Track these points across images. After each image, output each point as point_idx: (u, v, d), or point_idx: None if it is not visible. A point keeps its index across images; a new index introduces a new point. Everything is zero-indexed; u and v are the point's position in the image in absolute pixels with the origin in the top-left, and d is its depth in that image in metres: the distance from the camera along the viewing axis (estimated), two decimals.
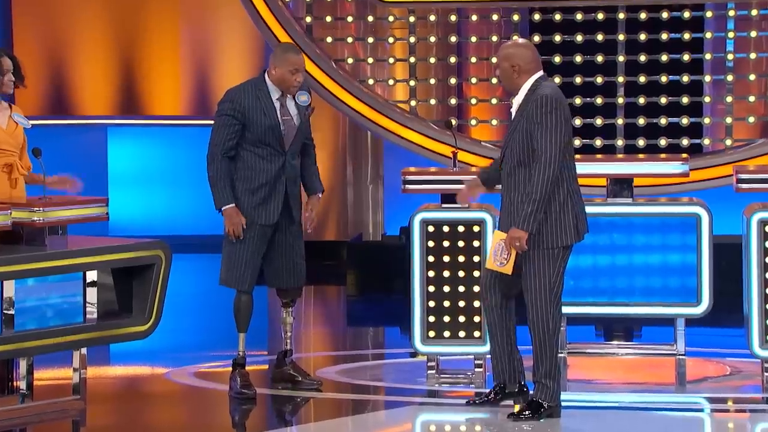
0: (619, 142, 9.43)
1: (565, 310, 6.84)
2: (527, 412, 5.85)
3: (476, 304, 6.68)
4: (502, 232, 5.81)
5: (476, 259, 6.67)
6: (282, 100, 6.38)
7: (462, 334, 6.69)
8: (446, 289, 6.70)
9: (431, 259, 6.70)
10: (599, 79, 9.39)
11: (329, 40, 9.64)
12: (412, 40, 9.60)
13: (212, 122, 6.49)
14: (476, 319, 6.68)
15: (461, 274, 6.68)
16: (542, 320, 5.80)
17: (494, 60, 5.95)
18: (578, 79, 9.39)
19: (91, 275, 6.05)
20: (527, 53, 5.86)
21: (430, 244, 6.70)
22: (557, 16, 9.41)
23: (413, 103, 9.60)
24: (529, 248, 5.79)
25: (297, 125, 6.38)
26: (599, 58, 9.39)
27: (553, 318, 5.80)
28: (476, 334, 6.67)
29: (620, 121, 9.43)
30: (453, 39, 9.59)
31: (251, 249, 6.33)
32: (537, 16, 9.46)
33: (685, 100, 9.34)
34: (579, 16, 9.40)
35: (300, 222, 6.46)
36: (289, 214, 6.39)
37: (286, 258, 6.41)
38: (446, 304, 6.69)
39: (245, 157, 6.33)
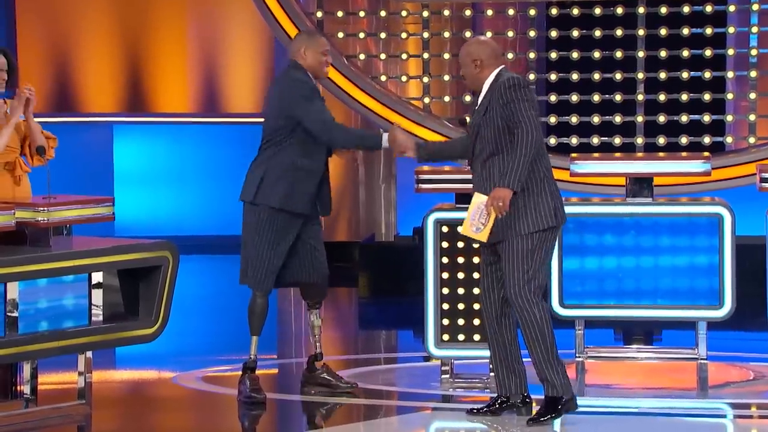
0: (639, 140, 9.32)
1: (583, 313, 6.74)
2: (545, 415, 5.73)
3: None
4: (480, 194, 5.71)
5: None
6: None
7: (477, 337, 6.59)
8: (460, 291, 6.60)
9: (445, 260, 6.61)
10: (618, 76, 9.28)
11: (341, 35, 9.56)
12: (426, 35, 9.51)
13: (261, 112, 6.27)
14: None
15: (476, 275, 6.58)
16: (526, 312, 5.69)
17: (459, 60, 5.93)
18: (597, 76, 9.28)
19: (97, 277, 5.98)
20: (487, 48, 5.86)
21: (444, 244, 6.61)
22: (575, 11, 9.31)
23: (427, 100, 9.50)
24: (504, 235, 5.70)
25: None
26: (618, 54, 9.29)
27: (537, 308, 5.69)
28: None
29: (640, 119, 9.32)
30: (468, 34, 9.50)
31: (275, 250, 6.19)
32: (554, 11, 9.35)
33: (707, 96, 9.23)
34: (597, 11, 9.29)
35: (320, 219, 6.37)
36: (320, 208, 6.28)
37: (310, 252, 6.29)
38: (460, 306, 6.60)
39: (300, 143, 6.17)
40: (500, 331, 5.83)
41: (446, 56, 9.55)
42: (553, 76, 9.35)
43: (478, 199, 5.68)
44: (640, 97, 9.33)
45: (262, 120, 6.37)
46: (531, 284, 5.69)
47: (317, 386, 6.38)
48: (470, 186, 6.57)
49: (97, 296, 5.97)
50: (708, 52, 9.24)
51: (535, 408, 5.88)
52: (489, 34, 9.54)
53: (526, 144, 5.66)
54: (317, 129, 6.12)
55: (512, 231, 5.71)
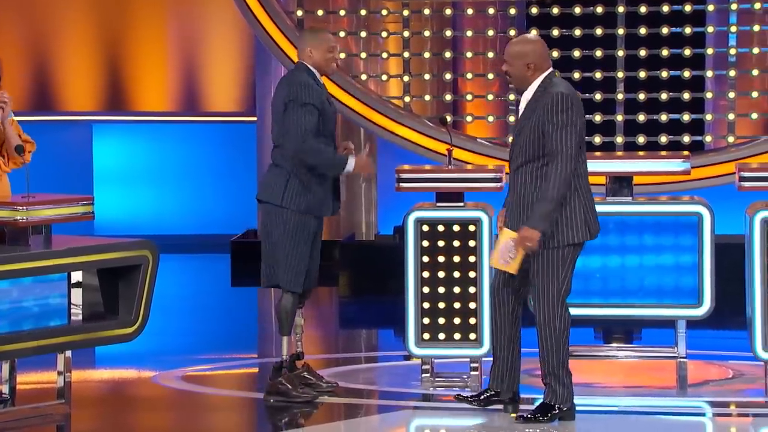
0: (619, 139, 9.34)
1: None
2: (537, 415, 5.75)
3: (472, 305, 6.58)
4: (512, 231, 5.67)
5: (472, 259, 6.57)
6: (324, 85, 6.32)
7: (457, 336, 6.59)
8: (441, 290, 6.60)
9: (426, 259, 6.60)
10: (598, 75, 9.31)
11: None
12: (406, 34, 9.50)
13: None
14: (472, 320, 6.58)
15: (456, 274, 6.57)
16: (549, 321, 5.72)
17: (505, 59, 5.76)
18: (576, 75, 9.29)
19: (76, 276, 5.95)
20: (541, 49, 5.77)
21: (425, 243, 6.60)
22: (555, 10, 9.32)
23: (407, 99, 9.50)
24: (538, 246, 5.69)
25: (335, 111, 6.35)
26: (598, 53, 9.31)
27: (560, 319, 5.72)
28: (472, 336, 6.57)
29: (620, 118, 9.34)
30: (448, 33, 9.51)
31: (305, 250, 6.20)
32: (534, 10, 9.36)
33: (686, 96, 9.26)
34: (577, 10, 9.30)
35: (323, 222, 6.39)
36: (334, 207, 6.32)
37: (312, 257, 6.30)
38: (441, 305, 6.60)
39: None
40: (508, 329, 5.81)
41: (426, 55, 9.55)
42: None
43: (508, 236, 5.65)
44: (620, 96, 9.35)
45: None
46: (560, 295, 5.70)
47: (302, 386, 6.35)
48: (451, 185, 6.59)
49: (77, 295, 5.94)
50: (687, 52, 9.27)
51: (522, 407, 5.89)
52: (469, 34, 9.56)
53: (559, 183, 5.58)
54: (291, 136, 6.13)
55: (544, 243, 5.66)
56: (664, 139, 9.28)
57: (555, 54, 9.33)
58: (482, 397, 5.90)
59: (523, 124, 5.72)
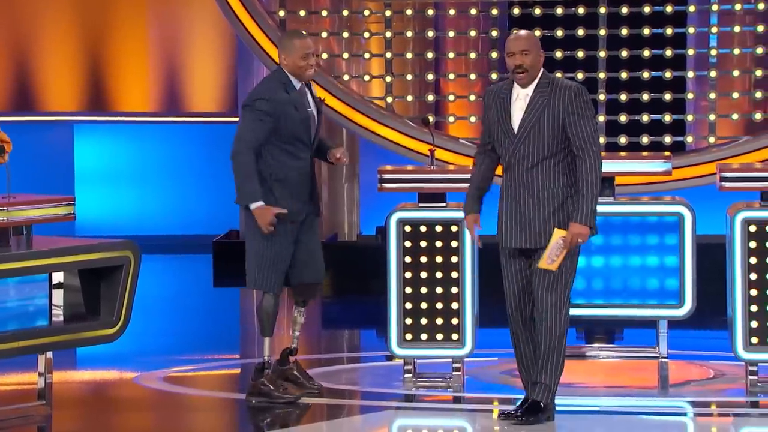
0: (601, 140, 9.35)
1: None
2: (525, 417, 5.74)
3: (454, 306, 6.59)
4: (562, 230, 5.61)
5: (454, 259, 6.57)
6: (303, 91, 6.25)
7: (440, 336, 6.59)
8: (423, 290, 6.60)
9: (408, 259, 6.61)
10: (580, 75, 9.33)
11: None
12: (389, 34, 9.51)
13: (238, 117, 6.24)
14: (454, 321, 6.59)
15: (439, 275, 6.58)
16: (554, 318, 5.69)
17: (520, 50, 5.65)
18: (558, 75, 9.28)
19: (58, 277, 5.94)
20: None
21: (407, 244, 6.61)
22: (537, 11, 9.34)
23: (389, 99, 9.50)
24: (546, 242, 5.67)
25: (316, 116, 6.28)
26: (580, 54, 9.33)
27: (565, 315, 5.71)
28: (454, 336, 6.58)
29: (601, 118, 9.37)
30: (430, 34, 9.52)
31: (282, 249, 6.18)
32: (516, 11, 9.38)
33: (667, 96, 9.29)
34: (559, 11, 9.32)
35: (318, 217, 6.37)
36: (312, 210, 6.28)
37: (308, 253, 6.30)
38: (423, 305, 6.60)
39: (275, 154, 6.15)
40: (530, 336, 5.77)
41: (409, 55, 9.56)
42: None
43: (559, 234, 5.61)
44: (602, 97, 9.37)
45: (230, 119, 6.36)
46: (567, 290, 5.70)
47: (285, 380, 6.34)
48: (433, 185, 6.59)
49: (58, 296, 5.93)
50: (668, 53, 9.30)
51: (504, 406, 5.90)
52: (452, 34, 9.57)
53: (597, 175, 5.54)
54: (234, 140, 6.14)
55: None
56: (645, 139, 9.30)
57: None
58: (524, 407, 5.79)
59: (531, 120, 5.63)
